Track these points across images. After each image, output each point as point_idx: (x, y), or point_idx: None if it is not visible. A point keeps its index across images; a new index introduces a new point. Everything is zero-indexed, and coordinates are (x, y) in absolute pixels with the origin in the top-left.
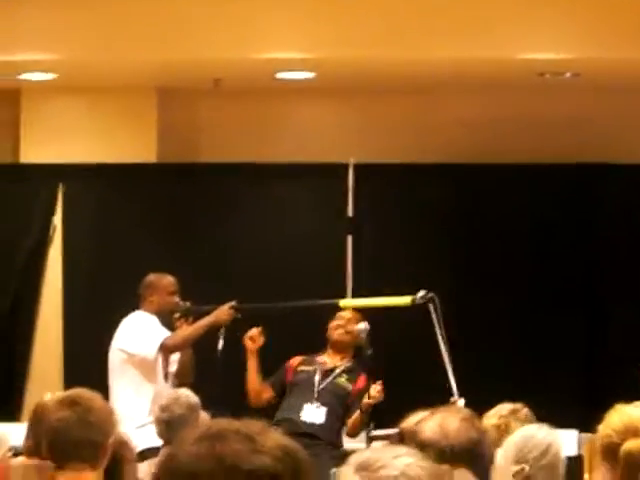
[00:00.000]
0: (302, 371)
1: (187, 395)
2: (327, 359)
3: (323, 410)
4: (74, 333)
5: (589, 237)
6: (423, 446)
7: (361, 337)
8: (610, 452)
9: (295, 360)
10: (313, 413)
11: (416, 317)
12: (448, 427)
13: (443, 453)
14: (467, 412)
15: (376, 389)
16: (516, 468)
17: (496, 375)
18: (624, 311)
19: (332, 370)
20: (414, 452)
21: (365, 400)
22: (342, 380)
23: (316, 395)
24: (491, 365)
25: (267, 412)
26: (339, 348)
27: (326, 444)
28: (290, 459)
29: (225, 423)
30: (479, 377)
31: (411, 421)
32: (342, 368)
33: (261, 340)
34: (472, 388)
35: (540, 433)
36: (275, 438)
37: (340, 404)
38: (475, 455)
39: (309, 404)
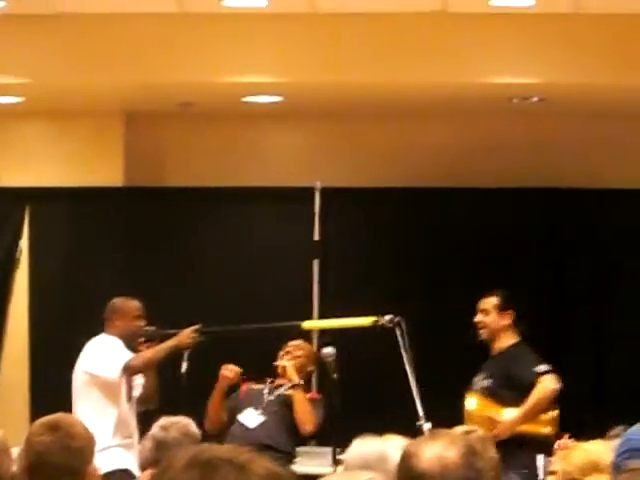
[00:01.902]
0: (251, 389)
1: (188, 423)
2: (277, 380)
3: (260, 418)
4: (40, 355)
5: (555, 262)
6: (416, 475)
7: (327, 361)
8: None
9: (245, 385)
10: (250, 417)
11: (382, 340)
12: (447, 460)
13: None
14: (470, 443)
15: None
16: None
17: (463, 399)
18: (588, 328)
19: (281, 385)
20: (377, 476)
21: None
22: (290, 392)
23: (264, 405)
24: (458, 389)
25: None
26: (284, 374)
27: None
28: None
29: (215, 450)
30: (446, 401)
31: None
32: (291, 384)
33: (237, 378)
34: (438, 412)
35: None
36: (265, 466)
37: (288, 413)
38: None
39: (252, 409)
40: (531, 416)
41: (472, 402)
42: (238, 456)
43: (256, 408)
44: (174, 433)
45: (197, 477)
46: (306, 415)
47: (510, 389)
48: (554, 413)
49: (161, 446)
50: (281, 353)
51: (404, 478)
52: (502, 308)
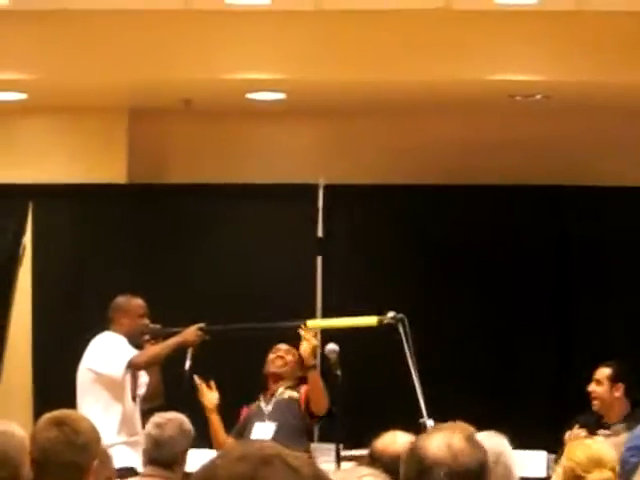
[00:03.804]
0: (251, 408)
1: (182, 419)
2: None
3: (272, 425)
4: (43, 353)
5: (561, 260)
6: (427, 466)
7: (330, 357)
8: None
9: (245, 408)
10: (262, 430)
11: (385, 337)
12: (455, 447)
13: (454, 475)
14: (467, 429)
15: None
16: None
17: (465, 397)
18: (594, 336)
19: (274, 393)
20: (378, 473)
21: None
22: (286, 393)
23: (267, 415)
24: (460, 386)
25: None
26: (277, 380)
27: None
28: None
29: (268, 447)
30: (448, 398)
31: (381, 442)
32: (283, 387)
33: (215, 396)
34: (441, 409)
35: (489, 441)
36: (315, 468)
37: (293, 414)
38: (480, 476)
39: (259, 423)
40: None
41: None
42: (290, 456)
43: (262, 421)
44: (170, 432)
45: (250, 471)
46: (320, 397)
47: None
48: None
49: (156, 444)
50: (272, 356)
51: (414, 471)
52: (614, 380)
